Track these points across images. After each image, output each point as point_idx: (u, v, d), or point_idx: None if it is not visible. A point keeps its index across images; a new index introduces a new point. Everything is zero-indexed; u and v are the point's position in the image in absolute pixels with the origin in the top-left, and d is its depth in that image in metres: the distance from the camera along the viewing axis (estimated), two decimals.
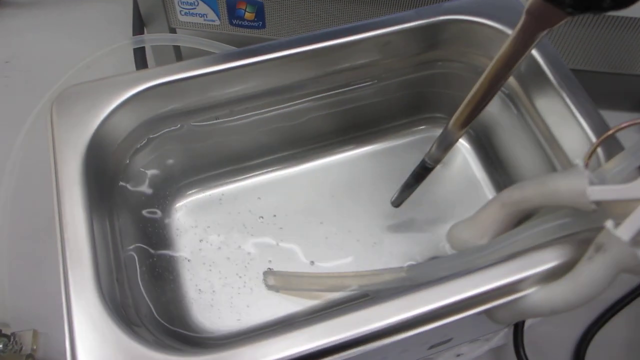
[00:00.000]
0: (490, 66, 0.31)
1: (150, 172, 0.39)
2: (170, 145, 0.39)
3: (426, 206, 0.42)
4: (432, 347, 0.42)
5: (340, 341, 0.27)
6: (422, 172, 0.37)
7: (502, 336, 0.47)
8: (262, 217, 0.42)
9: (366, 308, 0.28)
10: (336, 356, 0.27)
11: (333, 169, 0.44)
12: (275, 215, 0.42)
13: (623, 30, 0.51)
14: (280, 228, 0.42)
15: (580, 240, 0.30)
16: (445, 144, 0.35)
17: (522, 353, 0.45)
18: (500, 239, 0.32)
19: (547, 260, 0.30)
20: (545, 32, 0.29)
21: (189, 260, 0.40)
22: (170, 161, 0.40)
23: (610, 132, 0.30)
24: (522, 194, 0.31)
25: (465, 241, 0.34)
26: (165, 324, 0.33)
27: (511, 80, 0.39)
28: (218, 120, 0.39)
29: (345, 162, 0.45)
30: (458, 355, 0.48)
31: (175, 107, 0.37)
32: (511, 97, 0.40)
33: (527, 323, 0.47)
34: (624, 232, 0.27)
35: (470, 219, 0.34)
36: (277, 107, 0.40)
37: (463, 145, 0.45)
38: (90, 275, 0.28)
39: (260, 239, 0.41)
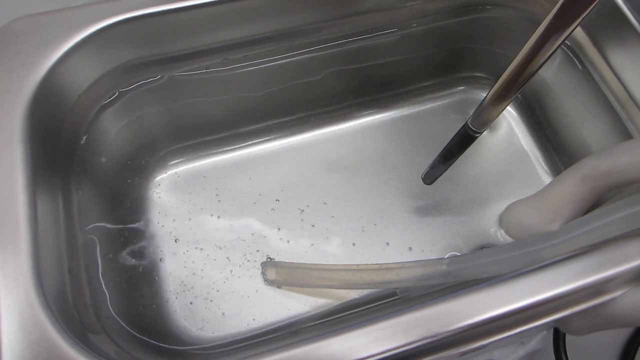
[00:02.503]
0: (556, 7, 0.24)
1: (122, 136, 0.32)
2: (147, 102, 0.32)
3: (464, 184, 0.36)
4: (464, 353, 0.36)
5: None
6: (463, 141, 0.31)
7: (540, 339, 0.43)
8: (261, 196, 0.35)
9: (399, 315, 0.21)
10: None
11: (348, 138, 0.38)
12: (276, 195, 0.35)
13: None
14: (283, 210, 0.35)
15: None
16: (498, 104, 0.28)
17: (564, 359, 0.40)
18: (577, 224, 0.24)
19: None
20: None
21: (168, 247, 0.33)
22: (148, 122, 0.33)
23: None
24: (612, 163, 0.24)
25: (528, 226, 0.26)
26: (133, 331, 0.26)
27: (576, 31, 0.33)
28: (208, 70, 0.32)
29: (364, 129, 0.38)
30: None
31: (154, 51, 0.30)
32: (573, 50, 0.33)
33: None
34: None
35: (536, 197, 0.26)
36: (281, 55, 0.33)
37: (509, 112, 0.39)
38: (28, 265, 0.21)
39: (257, 223, 0.34)
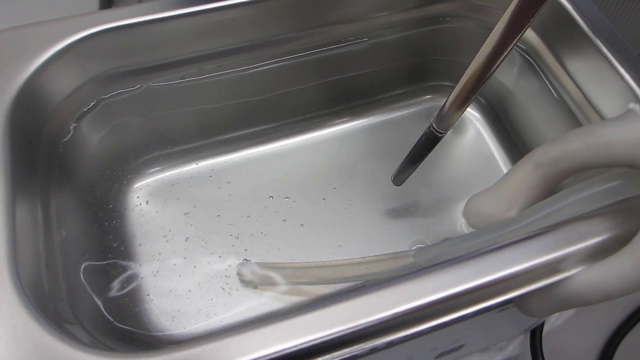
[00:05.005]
0: (510, 8, 0.27)
1: (101, 143, 0.34)
2: (125, 111, 0.34)
3: (434, 186, 0.38)
4: (440, 355, 0.38)
5: (326, 339, 0.22)
6: (428, 143, 0.33)
7: (518, 345, 0.44)
8: (236, 203, 0.37)
9: (359, 297, 0.23)
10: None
11: (322, 146, 0.40)
12: (251, 202, 0.37)
13: None
14: (258, 216, 0.36)
15: (637, 208, 0.24)
16: (457, 106, 0.30)
17: None
18: (533, 210, 0.26)
19: (595, 233, 0.24)
20: None
21: (145, 250, 0.34)
22: (126, 130, 0.35)
23: None
24: (562, 149, 0.25)
25: (488, 215, 0.28)
26: (107, 326, 0.27)
27: (531, 35, 0.35)
28: (184, 80, 0.34)
29: (337, 137, 0.40)
30: None
31: (132, 61, 0.32)
32: (531, 56, 0.36)
33: (546, 329, 0.44)
34: None
35: (494, 187, 0.28)
36: (254, 65, 0.35)
37: (474, 116, 0.41)
38: (3, 255, 0.22)
39: (233, 229, 0.36)
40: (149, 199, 0.36)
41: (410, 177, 0.35)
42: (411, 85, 0.42)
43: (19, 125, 0.27)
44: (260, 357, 0.20)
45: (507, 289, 0.24)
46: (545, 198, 0.27)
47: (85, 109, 0.32)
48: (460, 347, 0.38)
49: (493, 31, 0.28)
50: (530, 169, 0.26)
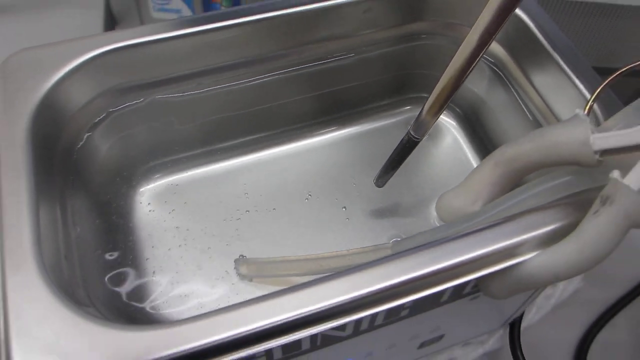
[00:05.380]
0: (475, 25, 0.30)
1: (111, 151, 0.37)
2: (132, 121, 0.37)
3: (413, 188, 0.41)
4: (422, 345, 0.40)
5: (305, 314, 0.25)
6: (407, 147, 0.36)
7: (498, 339, 0.47)
8: (234, 205, 0.40)
9: (337, 279, 0.26)
10: (305, 331, 0.25)
11: (311, 153, 0.43)
12: (247, 205, 0.40)
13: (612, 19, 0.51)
14: (256, 215, 0.40)
15: (584, 201, 0.27)
16: (432, 114, 0.33)
17: (520, 357, 0.44)
18: (495, 204, 0.29)
19: (547, 222, 0.27)
20: None
21: (151, 247, 0.37)
22: (133, 139, 0.38)
23: (608, 81, 0.29)
24: (517, 149, 0.29)
25: (455, 209, 0.31)
26: (117, 313, 0.30)
27: (499, 50, 0.39)
28: (185, 94, 0.37)
29: (325, 145, 0.44)
30: None
31: (138, 77, 0.35)
32: (499, 68, 0.39)
33: (524, 324, 0.46)
34: (634, 180, 0.24)
35: (460, 184, 0.32)
36: (250, 79, 0.38)
37: (451, 124, 0.44)
38: (30, 246, 0.25)
39: (230, 227, 0.39)
40: (154, 201, 0.39)
41: (391, 180, 0.38)
42: (393, 97, 0.45)
43: (39, 133, 0.30)
44: (251, 329, 0.24)
45: (470, 271, 0.27)
46: (506, 192, 0.30)
47: (97, 120, 0.35)
48: (441, 337, 0.40)
49: (461, 47, 0.31)
50: (491, 167, 0.30)
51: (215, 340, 0.23)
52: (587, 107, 0.28)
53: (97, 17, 0.64)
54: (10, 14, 0.68)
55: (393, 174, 0.37)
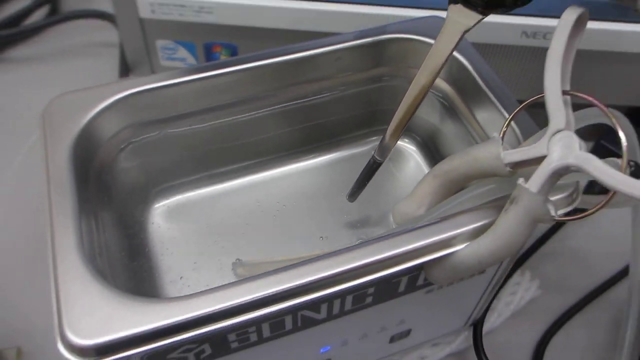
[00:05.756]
0: (421, 67, 0.36)
1: (131, 173, 0.43)
2: (150, 151, 0.43)
3: (380, 203, 0.47)
4: (392, 340, 0.44)
5: (282, 290, 0.30)
6: (372, 168, 0.41)
7: (463, 340, 0.50)
8: (236, 219, 0.46)
9: (310, 264, 0.32)
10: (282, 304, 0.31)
11: (297, 175, 0.48)
12: (242, 223, 0.46)
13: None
14: (252, 229, 0.46)
15: (503, 204, 0.33)
16: (392, 140, 0.39)
17: (483, 357, 0.47)
18: (435, 208, 0.35)
19: (474, 221, 0.33)
20: (468, 29, 0.34)
21: (164, 254, 0.44)
22: (150, 165, 0.44)
23: (514, 113, 0.35)
24: (449, 164, 0.36)
25: (405, 214, 0.38)
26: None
27: (446, 87, 0.44)
28: (191, 127, 0.43)
29: (309, 169, 0.49)
30: (422, 358, 0.50)
31: (153, 114, 0.41)
32: (447, 101, 0.45)
33: (487, 328, 0.50)
34: (532, 184, 0.30)
35: (409, 194, 0.38)
36: (245, 115, 0.44)
37: (413, 149, 0.50)
38: (74, 244, 0.32)
39: (231, 239, 0.45)
40: (166, 217, 0.45)
41: (361, 195, 0.43)
42: (364, 129, 0.50)
43: (78, 159, 0.36)
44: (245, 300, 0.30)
45: (416, 257, 0.32)
46: (444, 199, 0.36)
47: (121, 148, 0.41)
48: (409, 332, 0.44)
49: (410, 85, 0.37)
50: (431, 179, 0.37)
51: (213, 310, 0.29)
52: (502, 131, 0.35)
53: (114, 65, 0.71)
54: (43, 64, 0.77)
55: (362, 191, 0.42)
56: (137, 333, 0.29)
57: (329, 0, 0.52)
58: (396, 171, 0.49)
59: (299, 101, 0.46)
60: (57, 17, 0.83)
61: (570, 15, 0.31)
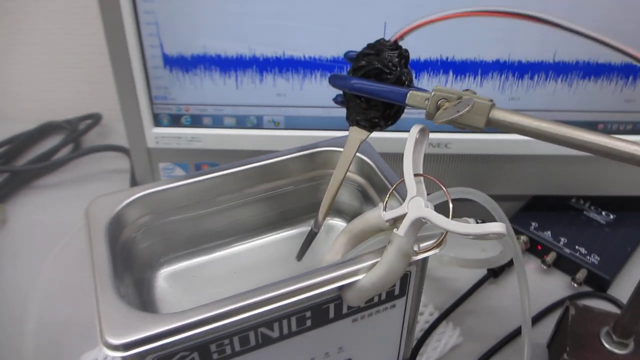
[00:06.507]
0: (336, 166, 0.50)
1: (144, 248, 0.55)
2: (156, 232, 0.55)
3: (317, 260, 0.55)
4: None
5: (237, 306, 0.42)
6: (311, 236, 0.52)
7: None
8: (224, 281, 0.56)
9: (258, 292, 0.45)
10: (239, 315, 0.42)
11: (269, 246, 0.60)
12: (232, 278, 0.56)
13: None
14: (236, 284, 0.55)
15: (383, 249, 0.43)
16: (319, 219, 0.52)
17: None
18: (347, 255, 0.47)
19: (370, 259, 0.44)
20: (362, 141, 0.48)
21: (165, 310, 0.54)
22: (158, 241, 0.55)
23: (393, 187, 0.51)
24: (352, 224, 0.48)
25: (328, 261, 0.48)
26: None
27: (360, 180, 0.58)
28: (187, 214, 0.56)
29: (277, 241, 0.61)
30: None
31: (159, 207, 0.53)
32: (363, 191, 0.58)
33: None
34: (401, 231, 0.42)
35: (329, 247, 0.49)
36: (228, 203, 0.57)
37: (343, 225, 0.61)
38: (110, 286, 0.47)
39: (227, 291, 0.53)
40: (168, 279, 0.55)
41: (306, 255, 0.53)
42: (311, 213, 0.60)
43: (112, 235, 0.47)
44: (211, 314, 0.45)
45: (331, 283, 0.42)
46: (353, 248, 0.49)
47: (137, 231, 0.53)
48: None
49: (331, 180, 0.49)
50: (342, 235, 0.50)
51: (195, 319, 0.40)
52: (385, 201, 0.49)
53: (126, 182, 0.92)
54: (68, 189, 0.99)
55: (305, 251, 0.53)
56: (147, 335, 0.40)
57: (279, 128, 0.72)
58: (329, 239, 0.58)
59: (269, 192, 0.59)
60: (79, 152, 1.05)
61: (414, 129, 0.50)
